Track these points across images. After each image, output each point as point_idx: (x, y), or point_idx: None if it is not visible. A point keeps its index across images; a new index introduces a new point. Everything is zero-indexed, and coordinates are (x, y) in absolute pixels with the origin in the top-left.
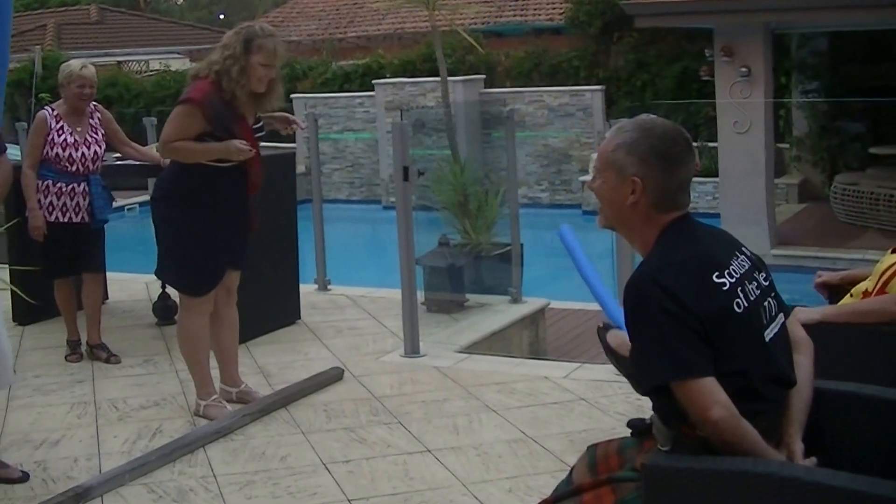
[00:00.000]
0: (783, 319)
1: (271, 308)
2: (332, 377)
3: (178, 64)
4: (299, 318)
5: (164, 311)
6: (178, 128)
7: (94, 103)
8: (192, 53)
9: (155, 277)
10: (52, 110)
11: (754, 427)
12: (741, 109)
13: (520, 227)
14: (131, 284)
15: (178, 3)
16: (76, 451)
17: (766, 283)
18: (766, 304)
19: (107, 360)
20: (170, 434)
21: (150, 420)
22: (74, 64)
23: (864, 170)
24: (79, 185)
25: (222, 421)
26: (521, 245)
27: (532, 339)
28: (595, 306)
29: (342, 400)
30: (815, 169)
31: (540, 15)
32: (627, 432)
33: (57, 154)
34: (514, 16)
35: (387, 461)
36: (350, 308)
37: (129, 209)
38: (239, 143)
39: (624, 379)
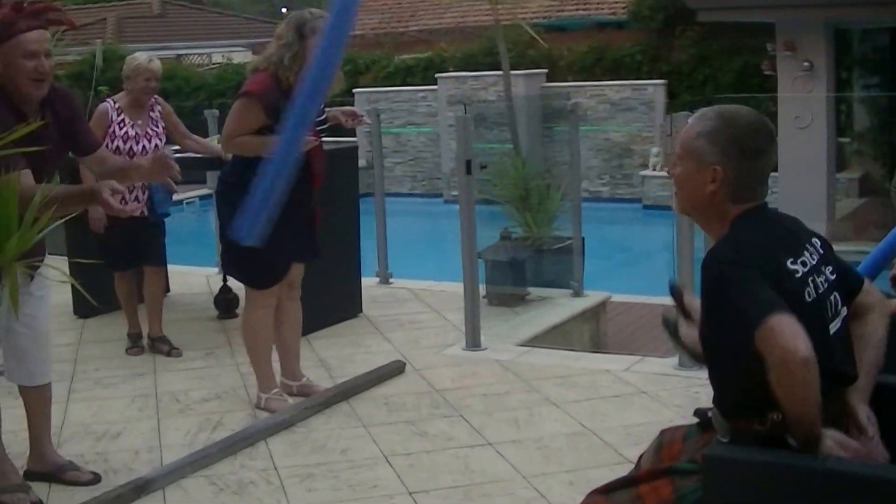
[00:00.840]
0: (846, 314)
1: (333, 301)
2: (394, 370)
3: (241, 57)
4: (361, 311)
5: (225, 304)
6: (238, 122)
7: (155, 95)
8: (253, 47)
9: (216, 271)
10: (114, 103)
11: None
12: (802, 104)
13: (581, 220)
14: (192, 278)
15: None
16: (137, 443)
17: (833, 277)
18: (832, 297)
19: (168, 353)
20: (231, 427)
21: (211, 413)
22: (141, 57)
23: None
24: None
25: (283, 414)
26: (583, 239)
27: (593, 332)
28: (657, 300)
29: (403, 393)
30: (875, 163)
31: (602, 9)
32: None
33: (117, 147)
34: (577, 10)
35: (447, 454)
36: (411, 301)
37: (188, 202)
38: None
39: (684, 372)
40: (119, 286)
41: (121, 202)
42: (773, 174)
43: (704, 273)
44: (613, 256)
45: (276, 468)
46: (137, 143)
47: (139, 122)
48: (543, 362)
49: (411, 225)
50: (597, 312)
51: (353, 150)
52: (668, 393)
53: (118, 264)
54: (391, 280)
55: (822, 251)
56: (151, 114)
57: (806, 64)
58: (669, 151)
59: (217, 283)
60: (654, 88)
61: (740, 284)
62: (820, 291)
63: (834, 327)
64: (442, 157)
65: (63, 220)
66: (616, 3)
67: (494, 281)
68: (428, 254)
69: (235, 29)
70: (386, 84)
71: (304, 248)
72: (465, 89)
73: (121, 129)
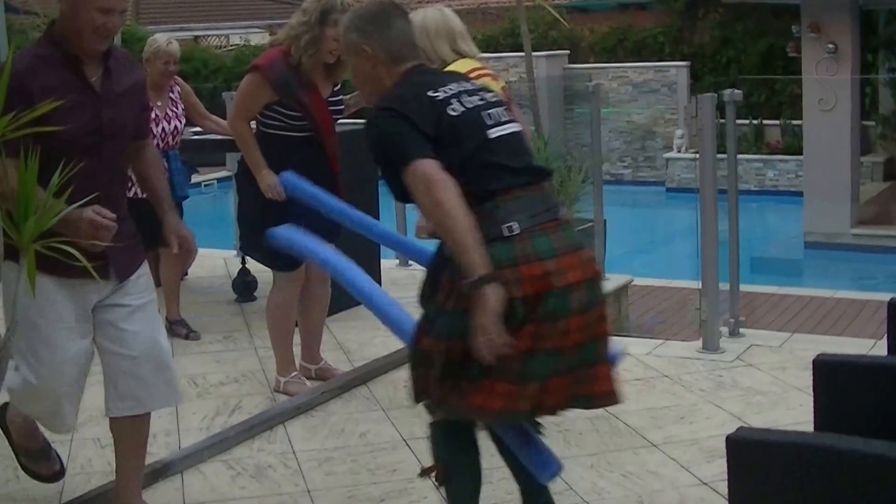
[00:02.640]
0: (515, 128)
1: None
2: None
3: (258, 39)
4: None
5: (243, 287)
6: (243, 98)
7: (174, 76)
8: (272, 28)
9: (235, 253)
10: None
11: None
12: (827, 87)
13: (603, 203)
14: (210, 260)
15: None
16: (154, 426)
17: (493, 100)
18: (490, 111)
19: (186, 337)
20: (249, 411)
21: (230, 397)
22: (161, 39)
23: None
24: None
25: (302, 397)
26: (604, 221)
27: (614, 315)
28: (679, 283)
29: None
30: None
31: None
32: (713, 413)
33: None
34: None
35: None
36: None
37: (206, 185)
38: (270, 185)
39: (708, 355)
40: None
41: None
42: (797, 157)
43: (368, 128)
44: (636, 239)
45: (294, 452)
46: (157, 124)
47: (159, 103)
48: None
49: None
50: (618, 295)
51: (358, 132)
52: (691, 376)
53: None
54: (410, 262)
55: (479, 91)
56: (171, 95)
57: (830, 46)
58: (694, 133)
59: (235, 266)
60: (677, 70)
61: (391, 130)
62: (470, 107)
63: (496, 132)
64: None
65: (81, 203)
66: None
67: None
68: None
69: (253, 10)
70: None
71: (330, 229)
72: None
73: None
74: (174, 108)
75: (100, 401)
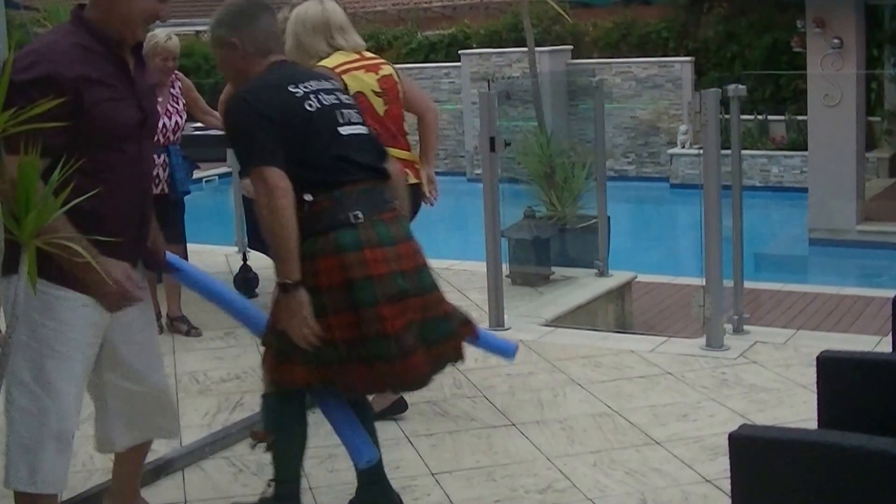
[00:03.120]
0: (364, 129)
1: None
2: None
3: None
4: None
5: (245, 283)
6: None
7: (175, 72)
8: None
9: (236, 250)
10: None
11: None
12: (832, 82)
13: (606, 199)
14: (211, 256)
15: None
16: None
17: (348, 102)
18: (343, 111)
19: (187, 333)
20: (251, 407)
21: (231, 393)
22: (160, 35)
23: None
24: (158, 157)
25: None
26: (608, 217)
27: (618, 312)
28: (683, 280)
29: None
30: None
31: None
32: (716, 410)
33: None
34: None
35: (470, 434)
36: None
37: (207, 181)
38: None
39: (711, 353)
40: None
41: None
42: (802, 153)
43: (225, 113)
44: (640, 236)
45: None
46: (158, 120)
47: (160, 98)
48: (568, 342)
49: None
50: (622, 292)
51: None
52: (695, 374)
53: None
54: None
55: (338, 92)
56: (171, 90)
57: (836, 41)
58: (698, 129)
59: (237, 263)
60: (682, 65)
61: (244, 125)
62: (326, 105)
63: (348, 131)
64: (465, 134)
65: (85, 198)
66: None
67: (518, 260)
68: (451, 233)
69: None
70: (408, 60)
71: None
72: (488, 66)
73: None
74: (175, 104)
75: None
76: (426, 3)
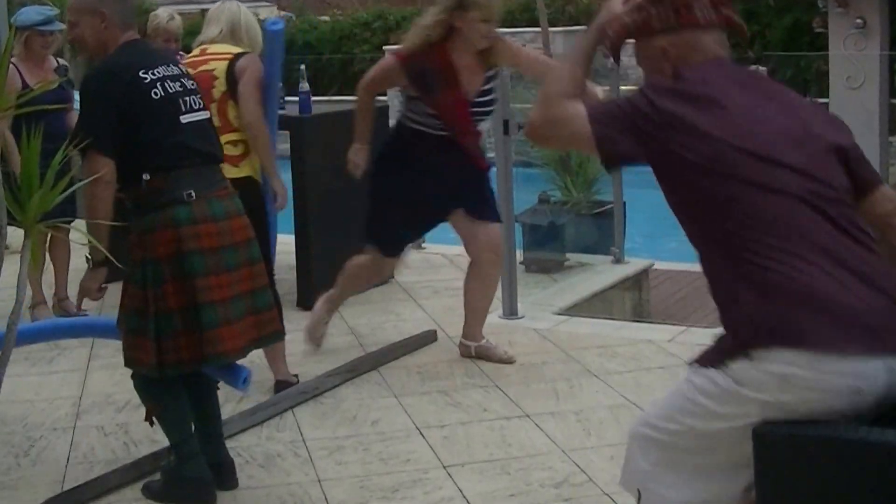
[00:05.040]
0: (204, 115)
1: None
2: (426, 339)
3: (267, 12)
4: (392, 277)
5: None
6: (376, 72)
7: (181, 52)
8: (280, 1)
9: None
10: None
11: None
12: (855, 63)
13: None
14: None
15: None
16: None
17: (191, 88)
18: (186, 99)
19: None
20: (256, 398)
21: None
22: (162, 15)
23: None
24: None
25: (311, 383)
26: (624, 203)
27: (635, 301)
28: (700, 267)
29: (436, 362)
30: None
31: None
32: None
33: None
34: None
35: (483, 426)
36: (446, 268)
37: None
38: (354, 161)
39: None
40: None
41: None
42: None
43: (82, 85)
44: (657, 222)
45: (303, 440)
46: None
47: None
48: (583, 331)
49: None
50: (639, 280)
51: (384, 109)
52: None
53: None
54: (424, 245)
55: (183, 76)
56: None
57: (859, 21)
58: None
59: None
60: None
61: (90, 108)
62: (170, 92)
63: (188, 118)
64: None
65: (84, 182)
66: None
67: (532, 247)
68: None
69: None
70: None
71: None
72: None
73: None
74: None
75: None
76: None
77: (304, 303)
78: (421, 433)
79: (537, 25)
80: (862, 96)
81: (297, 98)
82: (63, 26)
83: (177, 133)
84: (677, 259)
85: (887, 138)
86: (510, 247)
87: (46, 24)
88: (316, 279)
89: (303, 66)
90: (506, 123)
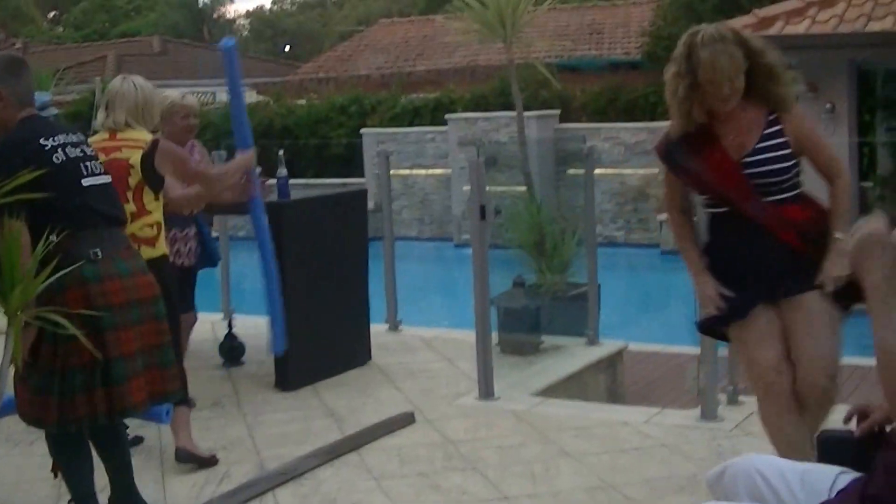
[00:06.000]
0: (106, 179)
1: (341, 349)
2: (404, 421)
3: (246, 97)
4: (370, 359)
5: (230, 351)
6: (665, 194)
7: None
8: (258, 86)
9: (221, 317)
10: None
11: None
12: None
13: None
14: (197, 324)
15: (244, 34)
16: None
17: (91, 154)
18: (87, 164)
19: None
20: (238, 479)
21: (218, 465)
22: (172, 94)
23: None
24: (191, 230)
25: (290, 464)
26: (598, 285)
27: (609, 382)
28: (675, 349)
29: (415, 444)
30: None
31: (616, 49)
32: (703, 481)
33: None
34: (590, 49)
35: None
36: (422, 350)
37: None
38: (704, 296)
39: (707, 424)
40: None
41: (178, 258)
42: None
43: None
44: (630, 304)
45: None
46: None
47: None
48: (559, 413)
49: (420, 270)
50: (613, 362)
51: (363, 192)
52: (691, 446)
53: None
54: (401, 327)
55: (82, 144)
56: (194, 156)
57: (828, 106)
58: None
59: (222, 330)
60: None
61: None
62: (71, 157)
63: (89, 182)
64: (452, 199)
65: (64, 272)
66: (629, 43)
67: (507, 329)
68: (438, 300)
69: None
70: (393, 125)
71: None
72: (475, 130)
73: None
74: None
75: None
76: (410, 66)
77: (283, 384)
78: None
79: (511, 109)
80: None
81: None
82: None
83: (80, 195)
84: (651, 340)
85: (858, 220)
86: (486, 329)
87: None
88: (295, 361)
89: (281, 152)
90: (482, 209)
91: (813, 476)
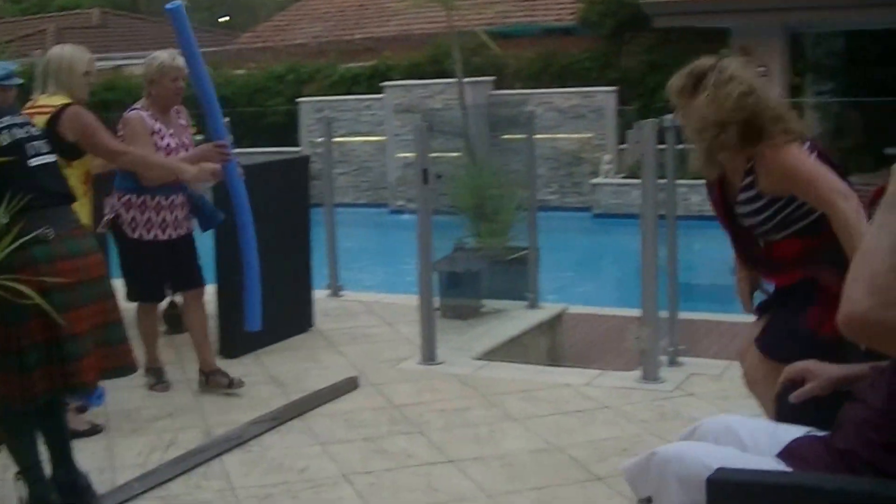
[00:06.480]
0: (51, 158)
1: (284, 315)
2: (348, 386)
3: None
4: (312, 325)
5: (173, 319)
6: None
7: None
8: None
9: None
10: (146, 111)
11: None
12: None
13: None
14: None
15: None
16: (88, 463)
17: (37, 134)
18: (33, 143)
19: (229, 386)
20: (184, 446)
21: (164, 431)
22: (163, 55)
23: (877, 171)
24: (178, 196)
25: (237, 430)
26: (538, 249)
27: (550, 345)
28: (609, 311)
29: (360, 409)
30: None
31: (548, 16)
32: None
33: None
34: (523, 17)
35: (409, 472)
36: (363, 314)
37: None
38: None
39: (648, 385)
40: (145, 318)
41: (163, 229)
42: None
43: None
44: (565, 266)
45: (232, 488)
46: (177, 155)
47: (171, 131)
48: (502, 376)
49: (357, 236)
50: (553, 325)
51: (305, 159)
52: (633, 407)
53: (153, 293)
54: (342, 293)
55: (29, 127)
56: (180, 121)
57: (762, 69)
58: (635, 160)
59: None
60: (605, 96)
61: None
62: (17, 138)
63: (36, 162)
64: (388, 166)
65: (11, 248)
66: (563, 9)
67: (448, 293)
68: (376, 266)
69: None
70: (331, 93)
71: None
72: (411, 97)
73: (162, 140)
74: (187, 138)
75: None
76: (347, 35)
77: (227, 352)
78: (348, 480)
79: (446, 76)
80: None
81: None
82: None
83: (27, 175)
84: (585, 303)
85: None
86: (429, 294)
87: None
88: (239, 328)
89: (227, 120)
90: (425, 173)
91: (780, 434)
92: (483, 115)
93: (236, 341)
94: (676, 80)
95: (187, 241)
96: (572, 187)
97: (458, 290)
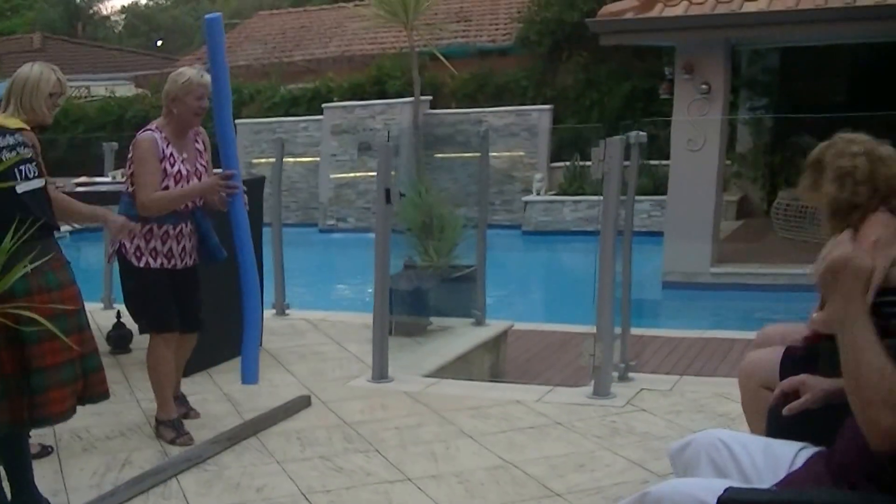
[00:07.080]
0: (39, 184)
1: (233, 334)
2: (301, 404)
3: (124, 90)
4: (260, 344)
5: (118, 339)
6: None
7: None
8: (136, 79)
9: (101, 307)
10: (160, 132)
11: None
12: (697, 127)
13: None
14: None
15: (117, 31)
16: (41, 487)
17: (27, 157)
18: (21, 167)
19: (185, 416)
20: (139, 465)
21: (118, 451)
22: (190, 72)
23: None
24: (186, 226)
25: (192, 450)
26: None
27: (494, 361)
28: (547, 326)
29: (314, 427)
30: (754, 185)
31: (482, 36)
32: (612, 460)
33: (168, 188)
34: (456, 37)
35: (368, 490)
36: (310, 333)
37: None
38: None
39: (598, 401)
40: (164, 353)
41: (169, 259)
42: (651, 197)
43: None
44: (500, 284)
45: None
46: (189, 182)
47: (185, 155)
48: (453, 393)
49: (291, 255)
50: (498, 341)
51: (261, 181)
52: (584, 423)
53: (171, 320)
54: (288, 311)
55: (17, 146)
56: (196, 145)
57: (704, 86)
58: (599, 176)
59: (105, 319)
60: (539, 114)
61: None
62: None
63: (23, 188)
64: (320, 186)
65: (31, 266)
66: (497, 30)
67: (396, 310)
68: (315, 283)
69: (118, 62)
70: (271, 114)
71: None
72: (352, 118)
73: (172, 165)
74: (202, 162)
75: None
76: (287, 57)
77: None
78: (306, 498)
79: (386, 97)
80: (701, 158)
81: None
82: None
83: (14, 203)
84: (522, 319)
85: (721, 197)
86: (384, 312)
87: None
88: None
89: None
90: (387, 192)
91: (775, 449)
92: (420, 133)
93: (188, 359)
94: None
95: (192, 275)
96: (502, 205)
97: (407, 308)
